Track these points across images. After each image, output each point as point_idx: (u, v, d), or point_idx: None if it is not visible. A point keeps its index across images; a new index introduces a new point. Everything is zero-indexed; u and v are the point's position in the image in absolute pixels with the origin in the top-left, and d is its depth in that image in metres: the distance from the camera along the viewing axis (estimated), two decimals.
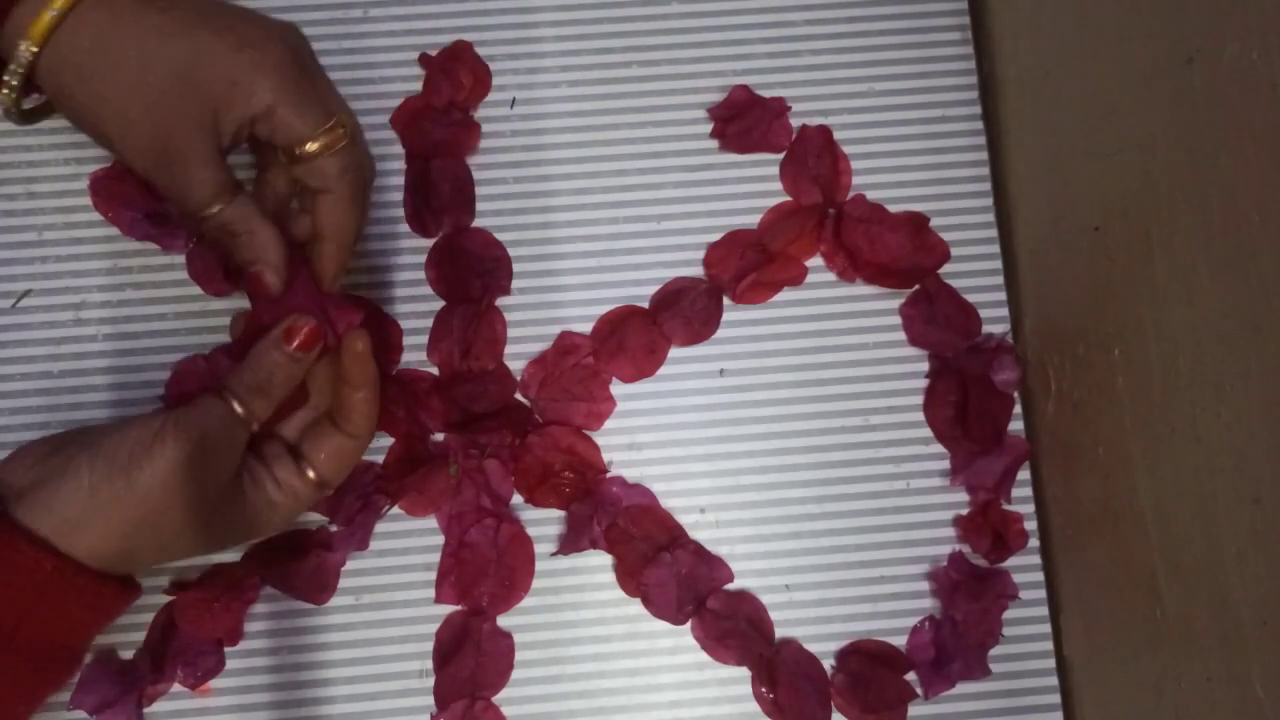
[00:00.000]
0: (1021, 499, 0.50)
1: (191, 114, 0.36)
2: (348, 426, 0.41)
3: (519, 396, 0.50)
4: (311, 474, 0.41)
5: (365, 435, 0.42)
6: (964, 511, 0.50)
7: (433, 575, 0.48)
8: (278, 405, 0.40)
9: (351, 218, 0.41)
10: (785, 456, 0.50)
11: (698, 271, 0.51)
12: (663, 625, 0.49)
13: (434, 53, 0.52)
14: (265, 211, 0.40)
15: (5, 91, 0.36)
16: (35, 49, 0.34)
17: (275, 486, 0.40)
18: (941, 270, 0.52)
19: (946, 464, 0.51)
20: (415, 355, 0.50)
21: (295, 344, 0.39)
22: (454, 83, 0.51)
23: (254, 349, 0.40)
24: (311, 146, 0.38)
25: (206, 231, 0.39)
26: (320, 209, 0.40)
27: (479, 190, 0.51)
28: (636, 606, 0.49)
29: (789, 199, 0.52)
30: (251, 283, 0.40)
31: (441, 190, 0.51)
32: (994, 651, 0.49)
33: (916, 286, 0.51)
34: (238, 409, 0.39)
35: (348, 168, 0.40)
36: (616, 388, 0.50)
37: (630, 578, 0.49)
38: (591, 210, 0.52)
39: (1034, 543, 0.50)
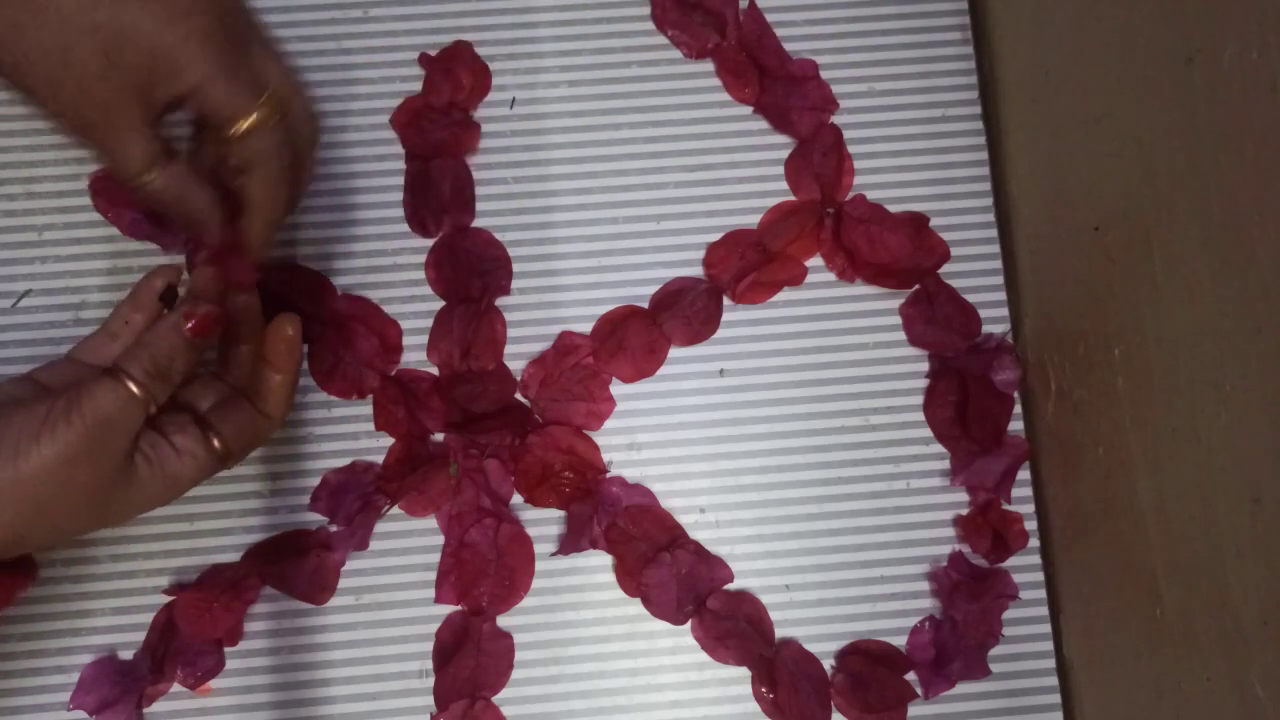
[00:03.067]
0: (1021, 499, 0.50)
1: (118, 87, 0.35)
2: (264, 406, 0.40)
3: (519, 396, 0.50)
4: (217, 444, 0.39)
5: (279, 417, 0.41)
6: (964, 511, 0.50)
7: (433, 575, 0.48)
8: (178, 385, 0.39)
9: (282, 194, 0.40)
10: (785, 456, 0.50)
11: (698, 271, 0.51)
12: (663, 625, 0.49)
13: (434, 53, 0.52)
14: (200, 175, 0.39)
15: None
16: None
17: (174, 454, 0.38)
18: (941, 270, 0.52)
19: (946, 464, 0.51)
20: (415, 355, 0.50)
21: (191, 327, 0.38)
22: (454, 83, 0.51)
23: (152, 331, 0.38)
24: (241, 126, 0.37)
25: (141, 199, 0.38)
26: (251, 184, 0.39)
27: (479, 190, 0.51)
28: (636, 606, 0.49)
29: (789, 199, 0.52)
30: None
31: (441, 190, 0.51)
32: (994, 651, 0.49)
33: (916, 286, 0.51)
34: (136, 391, 0.36)
35: (279, 146, 0.38)
36: (616, 388, 0.50)
37: (630, 578, 0.49)
38: (591, 210, 0.52)
39: (1034, 543, 0.50)
